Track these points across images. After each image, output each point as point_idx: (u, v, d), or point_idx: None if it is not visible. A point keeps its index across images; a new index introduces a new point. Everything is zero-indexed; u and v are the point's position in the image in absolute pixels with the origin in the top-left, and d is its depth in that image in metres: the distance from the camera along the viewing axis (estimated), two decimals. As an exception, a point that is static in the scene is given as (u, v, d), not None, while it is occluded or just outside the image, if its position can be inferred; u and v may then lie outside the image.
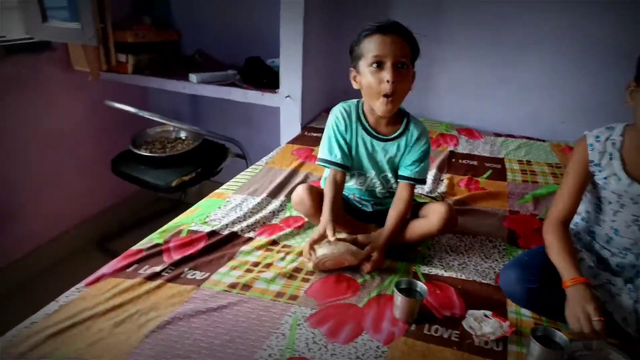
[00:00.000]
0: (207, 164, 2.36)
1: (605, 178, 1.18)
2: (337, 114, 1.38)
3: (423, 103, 2.61)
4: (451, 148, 2.26)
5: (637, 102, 1.07)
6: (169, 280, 1.18)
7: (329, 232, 1.25)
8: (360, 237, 1.32)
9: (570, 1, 2.22)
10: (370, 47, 1.22)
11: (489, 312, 1.14)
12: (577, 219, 1.30)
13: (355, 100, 1.40)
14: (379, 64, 1.22)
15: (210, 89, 2.43)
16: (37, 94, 2.30)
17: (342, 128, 1.37)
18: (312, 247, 1.25)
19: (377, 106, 1.27)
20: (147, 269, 1.21)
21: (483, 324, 1.10)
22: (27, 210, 2.34)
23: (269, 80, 2.40)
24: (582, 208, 1.28)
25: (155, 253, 1.28)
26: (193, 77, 2.44)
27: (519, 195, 1.81)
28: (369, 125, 1.37)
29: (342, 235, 1.32)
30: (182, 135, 2.57)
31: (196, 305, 1.10)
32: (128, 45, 2.47)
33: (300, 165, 1.96)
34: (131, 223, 2.82)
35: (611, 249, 1.22)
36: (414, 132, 1.36)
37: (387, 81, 1.21)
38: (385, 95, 1.24)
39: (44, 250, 2.44)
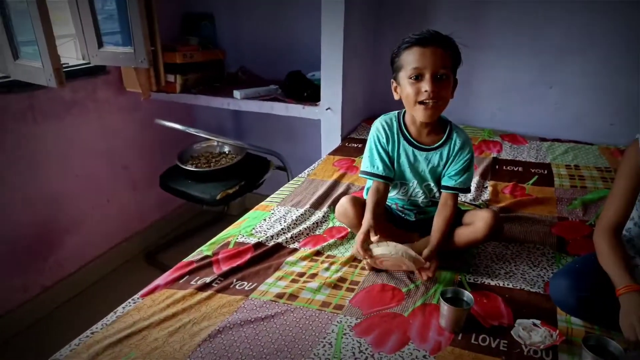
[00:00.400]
0: (249, 177, 2.43)
1: (658, 182, 1.13)
2: (378, 126, 1.40)
3: (464, 110, 2.58)
4: (494, 154, 2.22)
5: None
6: (219, 291, 1.23)
7: (372, 232, 1.26)
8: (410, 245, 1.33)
9: (612, 1, 2.15)
10: (409, 59, 1.24)
11: (537, 321, 1.12)
12: (630, 224, 1.25)
13: (396, 112, 1.42)
14: (418, 77, 1.24)
15: (253, 104, 2.51)
16: (93, 114, 2.46)
17: (384, 140, 1.39)
18: (363, 248, 1.26)
19: (418, 113, 1.29)
20: (198, 280, 1.27)
21: (532, 333, 1.08)
22: (82, 225, 2.49)
23: (309, 94, 2.46)
24: (635, 213, 1.23)
25: (205, 265, 1.34)
26: (237, 93, 2.53)
27: (568, 201, 1.76)
28: (411, 135, 1.38)
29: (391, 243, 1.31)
30: (226, 149, 2.66)
31: (245, 315, 1.14)
32: (176, 65, 2.60)
33: (342, 176, 1.99)
34: (177, 236, 2.95)
35: (667, 255, 1.17)
36: (456, 141, 1.36)
37: (425, 91, 1.23)
38: (422, 102, 1.26)
39: (98, 263, 2.58)
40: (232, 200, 2.41)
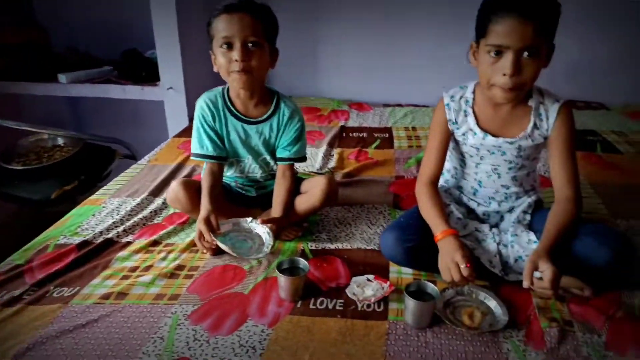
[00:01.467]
0: (91, 170, 2.19)
1: (463, 134, 1.24)
2: (202, 104, 1.33)
3: (313, 81, 2.61)
4: (342, 123, 2.29)
5: (480, 62, 1.13)
6: (31, 303, 1.08)
7: (212, 218, 1.23)
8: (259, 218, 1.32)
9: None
10: (219, 27, 1.18)
11: (371, 276, 1.17)
12: (447, 175, 1.37)
13: (220, 88, 1.35)
14: (228, 45, 1.18)
15: (84, 88, 2.26)
16: None
17: (209, 118, 1.32)
18: (203, 241, 1.23)
19: (234, 83, 1.25)
20: (5, 295, 1.09)
21: (365, 288, 1.13)
22: None
23: (148, 73, 2.28)
24: (450, 165, 1.35)
25: (15, 275, 1.16)
26: (62, 77, 2.24)
27: (404, 160, 1.88)
28: (237, 110, 1.33)
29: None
30: (60, 142, 2.36)
31: (62, 325, 1.01)
32: (-19, 49, 2.21)
33: (187, 159, 1.88)
34: (14, 247, 2.57)
35: (477, 200, 1.30)
36: (284, 110, 1.35)
37: (236, 60, 1.18)
38: (236, 71, 1.21)
39: None
40: (73, 197, 2.15)
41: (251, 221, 1.31)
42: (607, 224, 1.40)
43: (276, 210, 1.33)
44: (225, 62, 1.20)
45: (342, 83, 2.64)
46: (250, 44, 1.19)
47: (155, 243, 1.33)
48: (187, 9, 2.12)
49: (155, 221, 1.45)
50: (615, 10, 2.40)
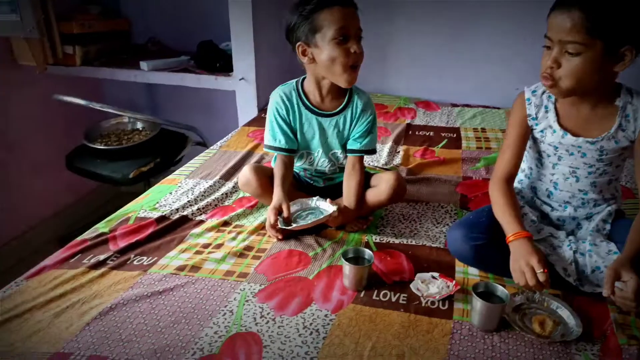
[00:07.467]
0: (166, 154, 2.31)
1: (542, 131, 1.20)
2: (276, 98, 1.36)
3: (380, 78, 2.61)
4: (408, 121, 2.27)
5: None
6: (114, 268, 1.16)
7: (284, 207, 1.26)
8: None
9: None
10: (332, 18, 1.19)
11: (436, 274, 1.16)
12: (521, 176, 1.32)
13: (293, 81, 1.38)
14: (345, 37, 1.20)
15: (162, 76, 2.38)
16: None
17: (284, 112, 1.35)
18: (275, 228, 1.29)
19: (344, 79, 1.26)
20: (92, 258, 1.19)
21: (430, 285, 1.12)
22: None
23: (222, 64, 2.37)
24: (525, 165, 1.30)
25: (101, 242, 1.26)
26: (144, 64, 2.38)
27: (473, 161, 1.83)
28: (311, 104, 1.36)
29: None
30: (139, 126, 2.51)
31: (141, 290, 1.08)
32: (74, 36, 2.39)
33: (256, 147, 1.94)
34: (94, 219, 2.76)
35: (552, 203, 1.25)
36: (358, 103, 1.36)
37: (355, 52, 1.21)
38: (353, 67, 1.24)
39: (2, 252, 2.37)
40: (148, 178, 2.29)
41: (318, 199, 1.34)
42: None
43: (349, 202, 1.34)
44: (342, 54, 1.21)
45: (409, 81, 2.61)
46: (359, 37, 1.24)
47: (225, 223, 1.39)
48: (262, 5, 2.19)
49: (226, 203, 1.51)
50: None
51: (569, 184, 1.20)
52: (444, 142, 2.01)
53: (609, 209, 1.20)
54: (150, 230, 1.32)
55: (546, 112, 1.18)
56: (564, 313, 1.04)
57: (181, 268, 1.17)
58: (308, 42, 1.24)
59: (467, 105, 2.45)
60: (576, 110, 1.15)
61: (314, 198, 1.35)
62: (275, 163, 1.40)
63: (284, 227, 1.26)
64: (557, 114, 1.17)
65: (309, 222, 1.27)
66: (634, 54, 1.01)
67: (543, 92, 1.19)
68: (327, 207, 1.31)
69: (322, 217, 1.27)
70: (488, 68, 2.45)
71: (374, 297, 1.10)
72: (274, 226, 1.28)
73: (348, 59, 1.22)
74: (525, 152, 1.26)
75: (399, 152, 1.93)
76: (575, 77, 1.03)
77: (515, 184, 1.31)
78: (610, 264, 1.03)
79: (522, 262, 1.05)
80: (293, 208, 1.31)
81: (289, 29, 1.27)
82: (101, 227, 1.33)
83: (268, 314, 1.03)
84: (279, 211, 1.27)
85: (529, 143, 1.25)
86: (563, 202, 1.23)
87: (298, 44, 1.27)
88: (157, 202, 1.47)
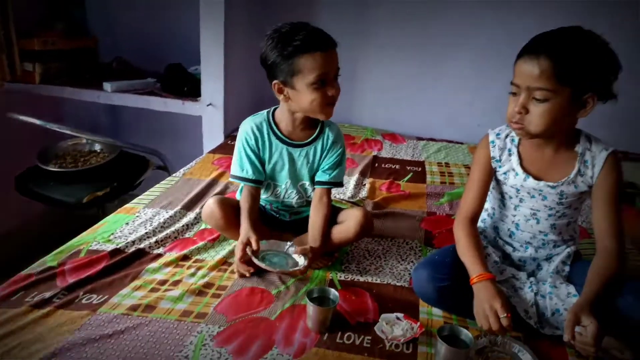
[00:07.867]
0: (124, 178, 2.22)
1: (505, 173, 1.22)
2: (247, 129, 1.34)
3: (348, 109, 2.63)
4: (375, 153, 2.28)
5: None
6: (60, 307, 1.08)
7: (253, 243, 1.22)
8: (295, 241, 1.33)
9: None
10: (314, 65, 1.17)
11: (401, 315, 1.14)
12: (484, 215, 1.34)
13: (265, 112, 1.36)
14: (324, 82, 1.20)
15: (127, 98, 2.31)
16: None
17: (253, 142, 1.33)
18: (243, 263, 1.26)
19: (321, 115, 1.27)
20: (36, 296, 1.10)
21: (394, 327, 1.10)
22: None
23: (190, 88, 2.33)
24: (488, 205, 1.32)
25: (47, 277, 1.17)
26: (107, 85, 2.31)
27: (437, 196, 1.85)
28: (282, 133, 1.34)
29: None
30: (97, 148, 2.41)
31: (89, 333, 1.01)
32: (35, 53, 2.30)
33: (221, 175, 1.90)
34: (43, 245, 2.61)
35: (513, 244, 1.26)
36: (329, 135, 1.35)
37: (332, 95, 1.22)
38: (330, 104, 1.25)
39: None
40: (103, 203, 2.19)
41: (290, 246, 1.30)
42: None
43: (315, 240, 1.31)
44: (320, 97, 1.21)
45: (375, 112, 2.65)
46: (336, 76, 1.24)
47: (185, 258, 1.33)
48: (233, 31, 2.18)
49: (186, 235, 1.45)
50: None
51: (530, 225, 1.23)
52: (409, 176, 2.03)
53: (568, 250, 1.23)
54: (102, 264, 1.24)
55: (509, 155, 1.21)
56: (526, 357, 1.04)
57: (134, 307, 1.10)
58: (285, 82, 1.22)
59: (432, 139, 2.50)
60: (539, 154, 1.18)
61: (288, 243, 1.31)
62: (241, 195, 1.36)
63: (253, 258, 1.21)
64: (520, 157, 1.19)
65: (276, 269, 1.23)
66: (596, 100, 1.05)
67: (507, 136, 1.22)
68: (297, 258, 1.27)
69: (289, 270, 1.24)
70: (452, 104, 2.52)
71: (338, 339, 1.07)
72: (242, 260, 1.24)
73: (326, 100, 1.22)
74: (489, 192, 1.28)
75: (365, 184, 1.93)
76: (543, 123, 1.05)
77: (479, 223, 1.32)
78: (570, 308, 1.04)
79: (486, 305, 1.05)
80: (264, 246, 1.27)
81: (267, 65, 1.24)
82: (49, 260, 1.24)
83: (226, 359, 0.98)
84: (246, 245, 1.23)
85: (492, 184, 1.27)
86: (524, 242, 1.25)
87: (275, 82, 1.24)
88: (112, 234, 1.40)
